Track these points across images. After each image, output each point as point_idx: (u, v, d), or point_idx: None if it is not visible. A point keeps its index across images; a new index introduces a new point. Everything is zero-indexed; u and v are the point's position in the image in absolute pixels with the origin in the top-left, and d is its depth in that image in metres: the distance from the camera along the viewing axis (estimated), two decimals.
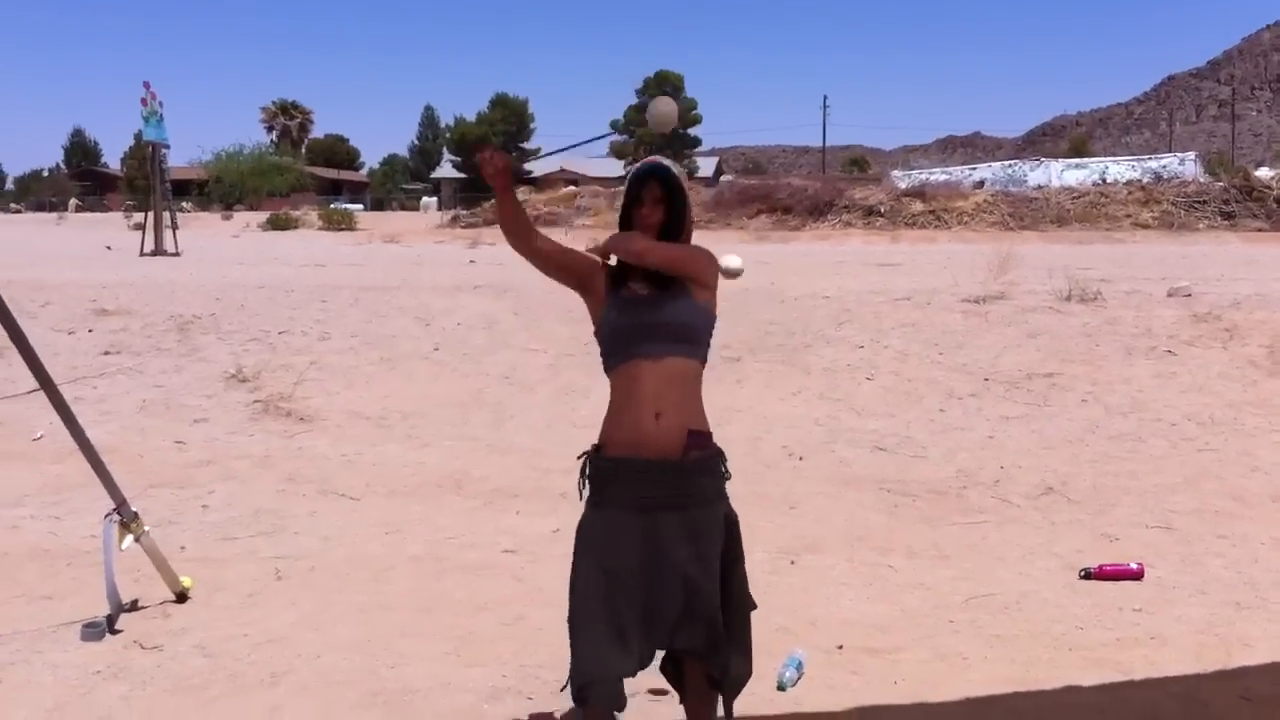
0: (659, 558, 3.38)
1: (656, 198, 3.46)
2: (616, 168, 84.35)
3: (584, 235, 34.98)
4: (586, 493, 3.51)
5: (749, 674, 3.61)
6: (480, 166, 3.37)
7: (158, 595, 5.53)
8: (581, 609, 3.40)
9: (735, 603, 3.53)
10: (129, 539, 5.30)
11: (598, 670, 3.37)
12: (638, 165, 3.55)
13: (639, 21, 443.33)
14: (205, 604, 5.54)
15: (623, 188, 3.61)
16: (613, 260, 3.57)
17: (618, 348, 3.45)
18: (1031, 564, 6.21)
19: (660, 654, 3.60)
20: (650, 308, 3.43)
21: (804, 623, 5.27)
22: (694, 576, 3.40)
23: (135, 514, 5.36)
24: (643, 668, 3.47)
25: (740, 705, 3.71)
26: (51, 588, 5.75)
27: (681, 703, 3.74)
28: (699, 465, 3.45)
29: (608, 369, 3.50)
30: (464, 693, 4.54)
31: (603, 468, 3.44)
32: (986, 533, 6.79)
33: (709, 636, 3.44)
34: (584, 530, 3.46)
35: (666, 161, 3.56)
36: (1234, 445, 8.55)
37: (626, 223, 3.51)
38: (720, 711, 3.66)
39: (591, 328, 3.60)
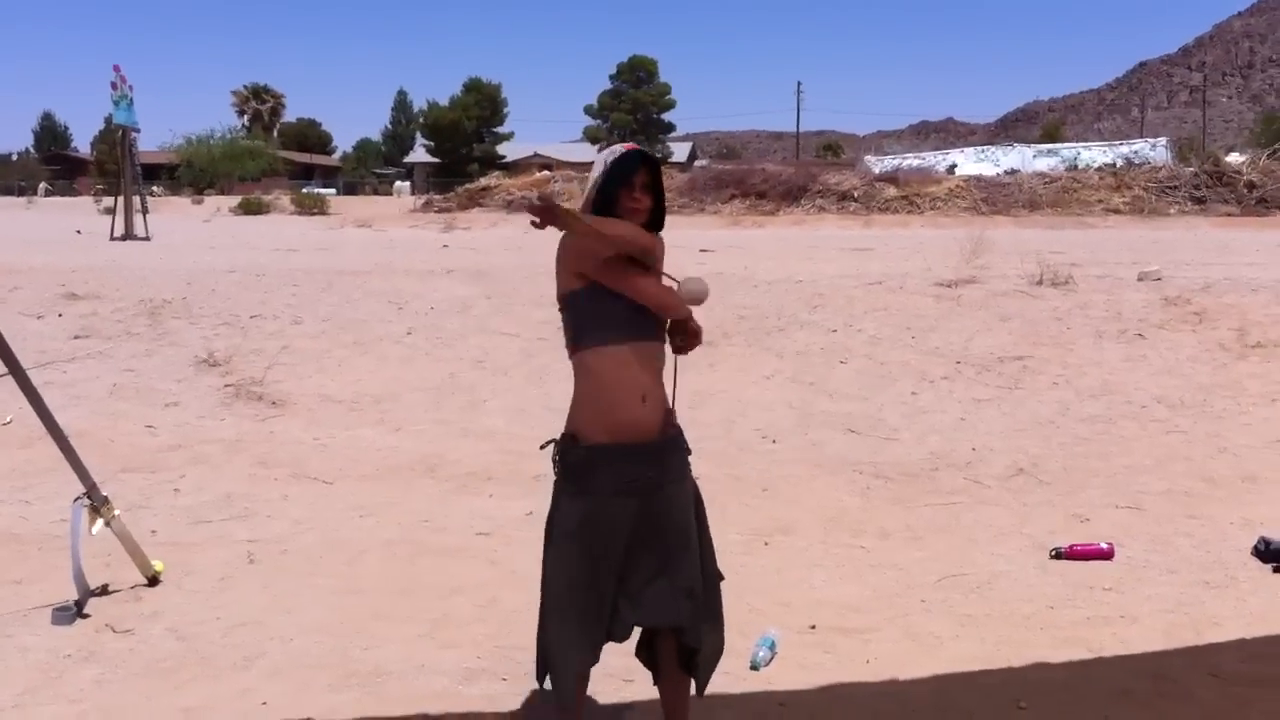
0: (643, 537, 3.41)
1: (646, 184, 3.43)
2: (590, 152, 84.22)
3: None
4: (560, 482, 3.50)
5: (721, 649, 3.65)
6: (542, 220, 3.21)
7: (129, 579, 5.50)
8: (553, 601, 3.46)
9: (706, 573, 3.58)
10: (99, 523, 5.27)
11: (561, 664, 3.46)
12: (620, 150, 3.49)
13: (613, 6, 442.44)
14: (177, 588, 5.52)
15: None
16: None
17: (601, 329, 3.40)
18: (1003, 544, 6.25)
19: (635, 638, 3.62)
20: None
21: (777, 603, 5.29)
22: (676, 549, 3.46)
23: (105, 498, 5.33)
24: (621, 640, 3.52)
25: (713, 685, 3.73)
26: (21, 572, 5.71)
27: (655, 684, 3.76)
28: (673, 443, 3.51)
29: (583, 347, 3.43)
30: (438, 675, 4.54)
31: (584, 457, 3.41)
32: (958, 514, 6.83)
33: (691, 607, 3.48)
34: (560, 521, 3.47)
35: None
36: (1203, 427, 8.62)
37: (608, 205, 3.43)
38: (693, 691, 3.68)
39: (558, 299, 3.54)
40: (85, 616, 5.10)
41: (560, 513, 3.47)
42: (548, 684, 3.55)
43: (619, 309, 3.39)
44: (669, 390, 3.55)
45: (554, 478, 3.52)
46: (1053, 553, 6.01)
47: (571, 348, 3.48)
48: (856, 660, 4.73)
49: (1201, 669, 4.62)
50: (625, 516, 3.39)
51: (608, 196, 3.43)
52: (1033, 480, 7.50)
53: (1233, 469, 7.68)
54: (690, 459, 3.63)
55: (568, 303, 3.47)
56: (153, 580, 5.52)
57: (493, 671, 4.56)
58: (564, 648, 3.44)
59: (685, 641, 3.54)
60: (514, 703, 4.28)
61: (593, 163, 3.59)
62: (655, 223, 3.49)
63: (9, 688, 4.40)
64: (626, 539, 3.40)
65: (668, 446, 3.49)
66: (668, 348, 3.57)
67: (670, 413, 3.52)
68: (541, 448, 3.58)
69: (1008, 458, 7.96)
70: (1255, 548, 6.03)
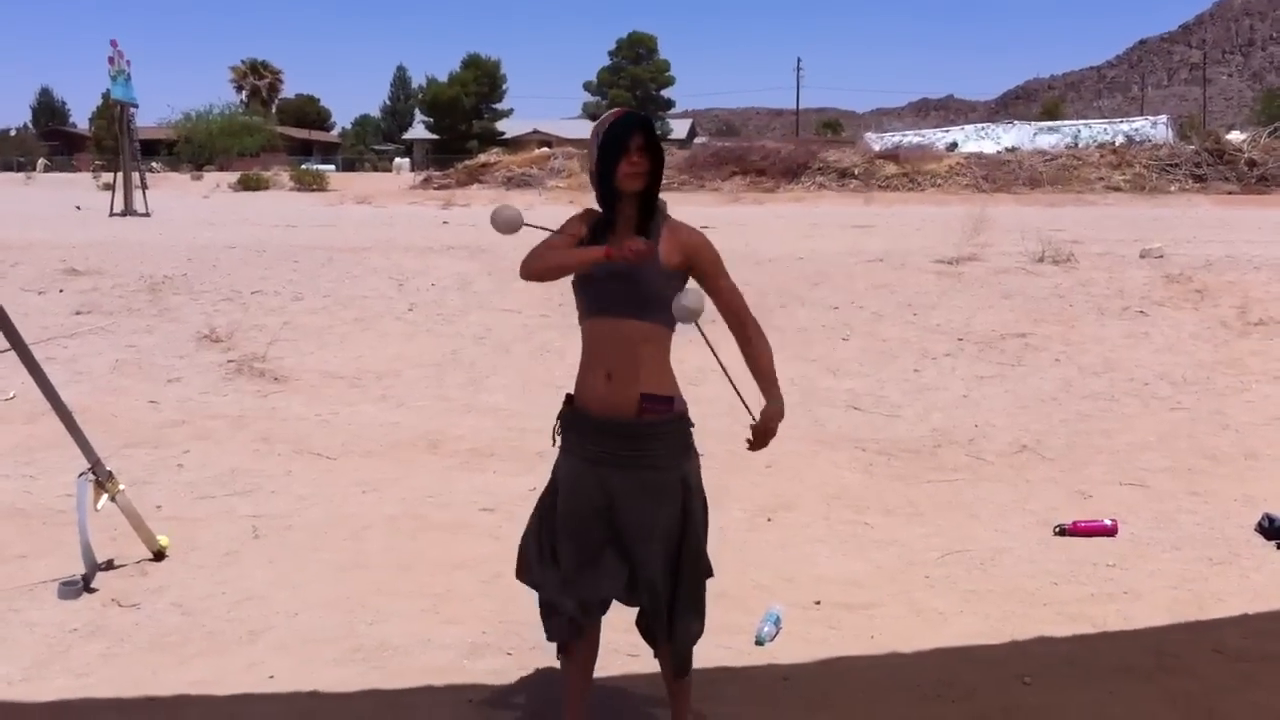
0: (609, 512, 3.45)
1: (641, 145, 3.40)
2: (589, 129, 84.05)
3: (557, 196, 34.85)
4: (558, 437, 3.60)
5: (699, 633, 3.63)
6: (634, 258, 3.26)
7: (135, 554, 5.51)
8: (529, 546, 3.64)
9: (688, 565, 3.53)
10: (104, 498, 5.28)
11: (552, 607, 3.56)
12: (615, 115, 3.47)
13: None
14: (182, 562, 5.53)
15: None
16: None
17: (585, 303, 3.50)
18: (1006, 521, 6.26)
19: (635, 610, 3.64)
20: (621, 271, 3.36)
21: (781, 579, 5.31)
22: (635, 540, 3.46)
23: (110, 473, 5.33)
24: (603, 609, 3.58)
25: (719, 658, 3.76)
26: (27, 547, 5.73)
27: (656, 656, 3.77)
28: (651, 428, 3.44)
29: (580, 321, 3.55)
30: (444, 649, 4.56)
31: (566, 416, 3.55)
32: (961, 490, 6.84)
33: (650, 599, 3.51)
34: (556, 470, 3.60)
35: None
36: (1205, 404, 8.63)
37: (609, 174, 3.40)
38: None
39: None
40: (92, 591, 5.11)
41: (556, 461, 3.60)
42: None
43: (598, 286, 3.42)
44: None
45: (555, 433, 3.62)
46: (1056, 529, 6.02)
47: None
48: (861, 635, 4.75)
49: (1205, 645, 4.63)
50: (589, 484, 3.45)
51: (608, 167, 3.41)
52: (1035, 457, 7.50)
53: (1235, 446, 7.69)
54: (693, 436, 3.60)
55: (573, 280, 3.54)
56: (158, 555, 5.53)
57: (497, 646, 4.58)
58: (552, 590, 3.54)
59: (651, 630, 3.60)
60: (519, 677, 4.30)
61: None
62: (655, 182, 3.46)
63: (16, 662, 4.41)
64: (594, 505, 3.45)
65: (642, 431, 3.42)
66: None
67: (655, 398, 3.43)
68: (566, 402, 3.65)
69: (1010, 434, 7.96)
70: (1259, 524, 6.04)
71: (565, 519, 3.49)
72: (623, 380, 3.40)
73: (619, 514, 3.44)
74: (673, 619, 3.55)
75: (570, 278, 3.50)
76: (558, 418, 3.57)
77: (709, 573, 3.65)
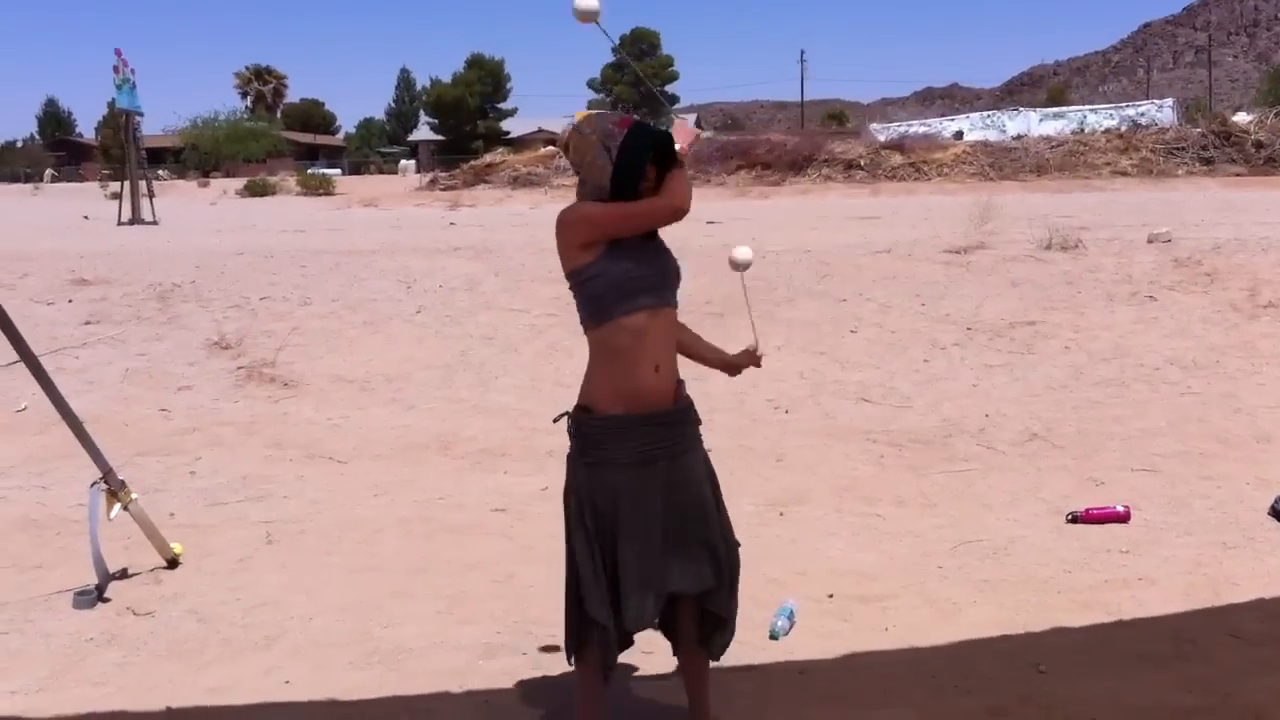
0: (661, 507, 3.40)
1: (652, 160, 3.35)
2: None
3: (563, 194, 34.81)
4: (574, 453, 3.47)
5: (734, 620, 3.65)
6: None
7: (148, 562, 5.53)
8: (582, 573, 3.41)
9: (727, 542, 3.57)
10: (117, 507, 5.30)
11: (598, 635, 3.43)
12: (619, 135, 3.32)
13: None
14: (196, 569, 5.54)
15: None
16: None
17: (621, 298, 3.32)
18: (1018, 509, 6.25)
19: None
20: (652, 256, 3.40)
21: (794, 573, 5.30)
22: (694, 519, 3.46)
23: (122, 482, 5.35)
24: (646, 625, 3.50)
25: (734, 654, 3.75)
26: (41, 557, 5.75)
27: (675, 654, 3.77)
28: (684, 413, 3.51)
29: (601, 320, 3.36)
30: (458, 650, 4.56)
31: (600, 428, 3.39)
32: (973, 480, 6.83)
33: (715, 573, 3.50)
34: (578, 494, 3.43)
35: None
36: (1216, 388, 8.61)
37: (631, 188, 3.30)
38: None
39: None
40: (106, 600, 5.12)
41: (578, 486, 3.44)
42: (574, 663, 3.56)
43: (633, 276, 3.32)
44: (752, 326, 3.73)
45: (568, 452, 3.50)
46: (1069, 517, 6.01)
47: (588, 324, 3.41)
48: (875, 628, 4.74)
49: (1221, 630, 4.62)
50: (642, 487, 3.37)
51: (631, 186, 3.31)
52: (1047, 445, 7.49)
53: (1247, 429, 7.67)
54: (702, 430, 3.62)
55: (580, 278, 3.38)
56: (172, 563, 5.54)
57: (512, 646, 4.58)
58: (599, 620, 3.41)
59: (711, 609, 3.55)
60: (534, 677, 4.30)
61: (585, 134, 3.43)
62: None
63: (33, 672, 4.43)
64: (645, 510, 3.38)
65: (679, 417, 3.48)
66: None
67: (681, 383, 3.51)
68: (555, 421, 3.57)
69: (1021, 423, 7.95)
70: (1272, 507, 6.02)
71: (628, 529, 3.36)
72: (667, 371, 3.43)
73: (679, 505, 3.44)
74: (732, 592, 3.60)
75: (589, 279, 3.34)
76: (581, 434, 3.43)
77: (738, 543, 3.67)
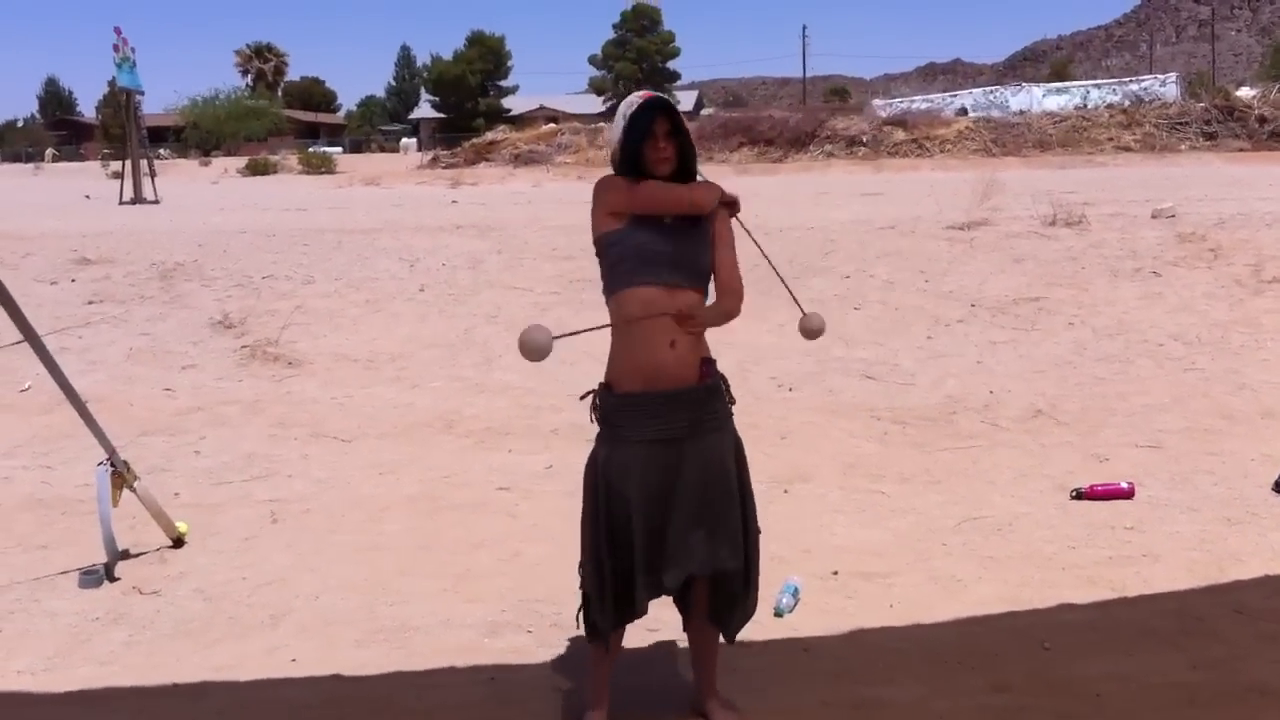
0: (681, 485, 3.41)
1: (667, 131, 3.39)
2: (595, 104, 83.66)
3: (565, 171, 34.81)
4: (599, 430, 3.50)
5: (754, 607, 3.65)
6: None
7: (154, 541, 5.54)
8: (598, 548, 3.45)
9: (749, 527, 3.58)
10: (123, 492, 5.30)
11: (610, 611, 3.47)
12: (637, 102, 3.43)
13: None
14: (201, 549, 5.55)
15: (603, 124, 3.49)
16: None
17: (636, 267, 3.37)
18: (1022, 486, 6.25)
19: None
20: (680, 237, 3.42)
21: (798, 550, 5.31)
22: (716, 497, 3.46)
23: (126, 463, 5.35)
24: (663, 593, 3.52)
25: (739, 631, 3.74)
26: (47, 537, 5.76)
27: (685, 629, 3.77)
28: (709, 390, 3.50)
29: (615, 289, 3.41)
30: (463, 628, 4.57)
31: (617, 405, 3.42)
32: (977, 457, 6.83)
33: (733, 554, 3.50)
34: (599, 468, 3.46)
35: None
36: (1221, 364, 8.60)
37: (635, 161, 3.39)
38: (721, 640, 3.71)
39: (592, 238, 3.50)
40: (115, 580, 5.13)
41: (598, 461, 3.46)
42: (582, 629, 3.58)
43: (653, 250, 3.36)
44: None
45: (595, 427, 3.53)
46: (1073, 493, 6.01)
47: (606, 294, 3.47)
48: (879, 605, 4.75)
49: (1226, 606, 4.63)
50: (661, 465, 3.39)
51: (632, 152, 3.40)
52: (1051, 421, 7.49)
53: (1251, 405, 7.67)
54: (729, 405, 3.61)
55: (602, 245, 3.45)
56: (178, 542, 5.55)
57: (517, 624, 4.59)
58: (607, 592, 3.44)
59: (726, 588, 3.56)
60: (539, 655, 4.30)
61: (600, 114, 3.54)
62: (684, 169, 3.46)
63: (39, 651, 4.44)
64: (663, 488, 3.39)
65: (703, 394, 3.47)
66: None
67: (708, 360, 3.50)
68: (581, 399, 3.58)
69: (1025, 399, 7.95)
70: (1276, 483, 6.03)
71: (643, 506, 3.38)
72: (684, 348, 3.41)
73: (701, 484, 3.43)
74: (749, 577, 3.59)
75: (610, 245, 3.42)
76: (600, 408, 3.48)
77: (759, 529, 3.67)
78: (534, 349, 3.33)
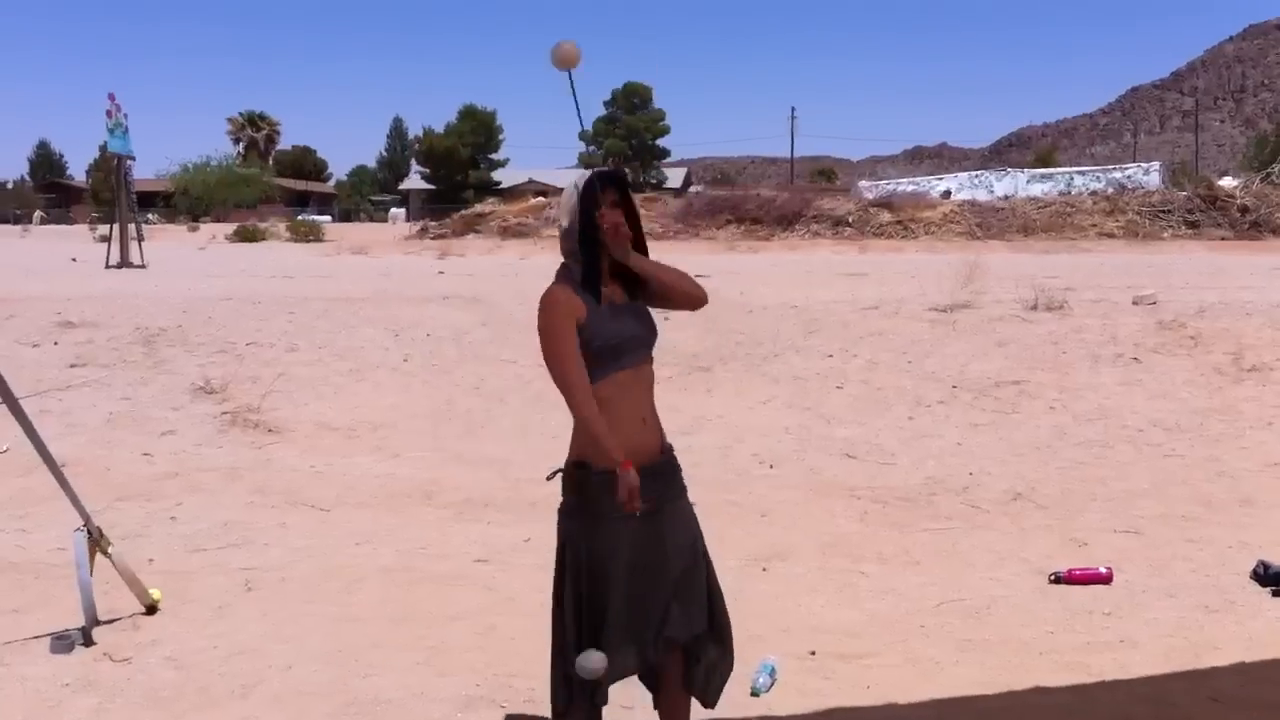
0: (656, 557, 3.45)
1: (615, 200, 3.46)
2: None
3: (553, 245, 34.93)
4: (572, 508, 3.50)
5: (731, 664, 3.66)
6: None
7: (127, 608, 5.48)
8: (568, 629, 3.45)
9: (714, 590, 3.63)
10: (98, 558, 5.27)
11: (586, 689, 3.44)
12: (592, 173, 3.53)
13: (608, 33, 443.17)
14: (175, 616, 5.50)
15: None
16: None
17: (610, 358, 3.42)
18: (1001, 569, 6.24)
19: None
20: (633, 316, 3.51)
21: (776, 629, 5.28)
22: (689, 566, 3.52)
23: (100, 530, 5.32)
24: (630, 674, 3.52)
25: (715, 710, 3.72)
26: (19, 601, 5.70)
27: (655, 707, 3.75)
28: (670, 463, 3.59)
29: (594, 379, 3.40)
30: (437, 702, 4.53)
31: (599, 482, 3.37)
32: (956, 538, 6.83)
33: (708, 618, 3.56)
34: (574, 547, 3.46)
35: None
36: (1199, 451, 8.63)
37: (588, 230, 3.45)
38: (705, 708, 3.69)
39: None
40: (91, 644, 5.08)
41: (575, 539, 3.46)
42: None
43: (614, 339, 3.43)
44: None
45: (560, 505, 3.53)
46: (1051, 577, 6.00)
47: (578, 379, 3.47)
48: (856, 686, 4.72)
49: (1202, 693, 4.61)
50: (646, 538, 3.42)
51: (587, 222, 3.46)
52: (1030, 504, 7.49)
53: (1230, 492, 7.69)
54: (687, 484, 3.67)
55: (583, 339, 3.47)
56: (150, 609, 5.50)
57: (490, 699, 4.55)
58: (571, 677, 3.42)
59: (699, 654, 3.57)
60: None
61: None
62: (635, 231, 3.50)
63: (9, 716, 4.39)
64: (648, 560, 3.43)
65: (667, 467, 3.56)
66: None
67: (663, 434, 3.59)
68: (548, 478, 3.58)
69: (1005, 482, 7.96)
70: (1254, 571, 6.02)
71: (626, 580, 3.39)
72: (653, 422, 3.54)
73: (676, 552, 3.49)
74: (723, 638, 3.64)
75: (591, 343, 3.42)
76: (581, 490, 3.45)
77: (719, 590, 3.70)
78: (564, 58, 3.53)
